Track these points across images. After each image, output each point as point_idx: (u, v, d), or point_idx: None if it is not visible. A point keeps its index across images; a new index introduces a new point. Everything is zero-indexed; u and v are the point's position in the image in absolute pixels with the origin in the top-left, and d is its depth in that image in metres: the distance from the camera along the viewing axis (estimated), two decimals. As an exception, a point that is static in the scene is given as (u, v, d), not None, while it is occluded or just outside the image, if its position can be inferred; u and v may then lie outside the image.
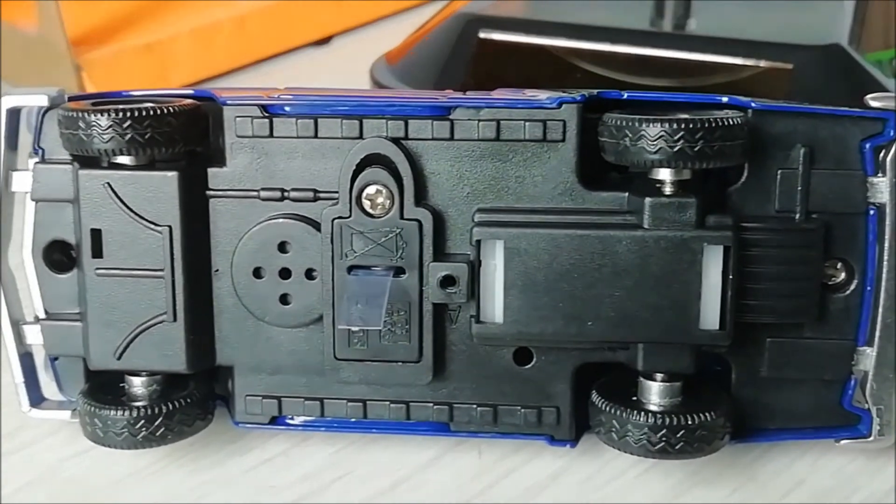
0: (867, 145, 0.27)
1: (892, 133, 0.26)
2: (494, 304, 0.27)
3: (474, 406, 0.28)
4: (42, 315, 0.29)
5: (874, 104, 0.26)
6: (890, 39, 0.41)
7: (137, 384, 0.28)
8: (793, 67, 0.36)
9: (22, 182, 0.28)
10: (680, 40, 0.38)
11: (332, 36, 0.57)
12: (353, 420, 0.28)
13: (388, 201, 0.27)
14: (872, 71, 0.37)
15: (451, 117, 0.27)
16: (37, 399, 0.29)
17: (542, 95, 0.27)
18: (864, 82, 0.36)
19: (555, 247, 0.26)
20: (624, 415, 0.26)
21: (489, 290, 0.27)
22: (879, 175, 0.27)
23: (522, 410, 0.28)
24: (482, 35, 0.40)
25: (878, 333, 0.27)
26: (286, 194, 0.27)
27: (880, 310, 0.27)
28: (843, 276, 0.27)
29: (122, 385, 0.28)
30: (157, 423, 0.27)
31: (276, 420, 0.29)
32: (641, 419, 0.26)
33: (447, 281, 0.27)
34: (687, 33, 0.40)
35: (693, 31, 0.40)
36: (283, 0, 0.54)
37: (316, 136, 0.27)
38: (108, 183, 0.27)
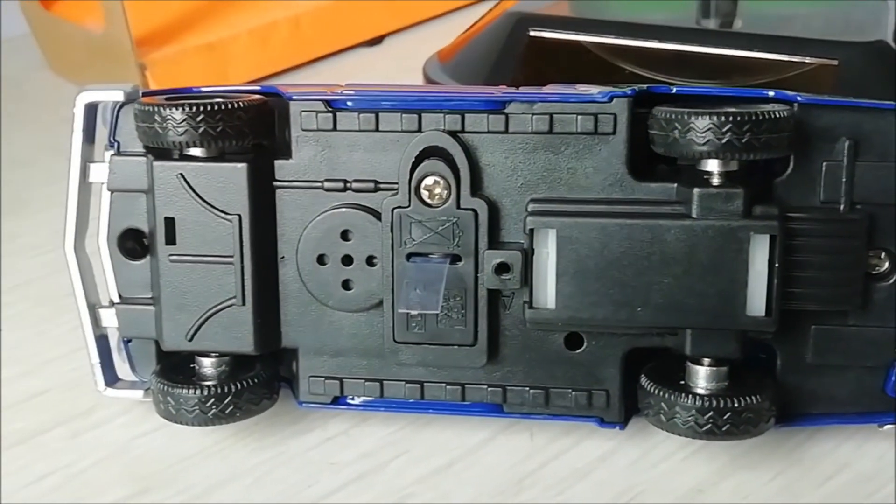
0: (911, 138, 0.27)
1: (935, 126, 0.27)
2: (547, 290, 0.28)
3: (527, 388, 0.29)
4: (116, 299, 0.30)
5: (918, 98, 0.27)
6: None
7: (207, 365, 0.29)
8: (838, 64, 0.37)
9: (98, 173, 0.30)
10: (726, 38, 0.39)
11: (385, 36, 0.58)
12: (410, 401, 0.30)
13: (446, 192, 0.28)
14: (918, 67, 0.37)
15: (505, 111, 0.28)
16: (111, 379, 0.31)
17: (594, 90, 0.28)
18: (909, 78, 0.36)
19: (605, 235, 0.27)
20: (672, 397, 0.27)
21: (542, 277, 0.28)
22: (922, 167, 0.27)
23: (573, 393, 0.29)
24: (532, 33, 0.40)
25: (920, 322, 0.28)
26: (348, 185, 0.29)
27: (923, 299, 0.28)
28: (886, 265, 0.28)
29: (192, 366, 0.30)
30: (226, 401, 0.28)
31: (338, 400, 0.30)
32: (689, 401, 0.27)
33: (501, 268, 0.28)
34: (733, 31, 0.40)
35: (739, 28, 0.41)
36: (337, 0, 0.56)
37: (377, 130, 0.28)
38: (181, 174, 0.28)
